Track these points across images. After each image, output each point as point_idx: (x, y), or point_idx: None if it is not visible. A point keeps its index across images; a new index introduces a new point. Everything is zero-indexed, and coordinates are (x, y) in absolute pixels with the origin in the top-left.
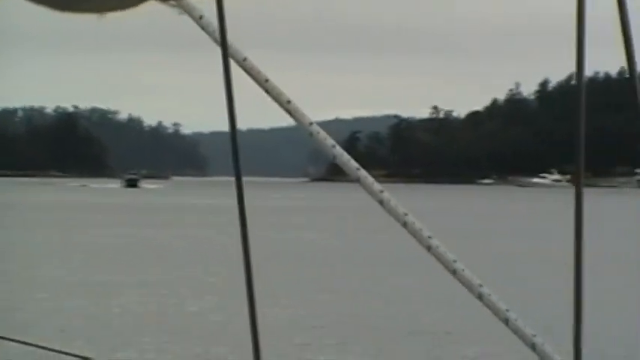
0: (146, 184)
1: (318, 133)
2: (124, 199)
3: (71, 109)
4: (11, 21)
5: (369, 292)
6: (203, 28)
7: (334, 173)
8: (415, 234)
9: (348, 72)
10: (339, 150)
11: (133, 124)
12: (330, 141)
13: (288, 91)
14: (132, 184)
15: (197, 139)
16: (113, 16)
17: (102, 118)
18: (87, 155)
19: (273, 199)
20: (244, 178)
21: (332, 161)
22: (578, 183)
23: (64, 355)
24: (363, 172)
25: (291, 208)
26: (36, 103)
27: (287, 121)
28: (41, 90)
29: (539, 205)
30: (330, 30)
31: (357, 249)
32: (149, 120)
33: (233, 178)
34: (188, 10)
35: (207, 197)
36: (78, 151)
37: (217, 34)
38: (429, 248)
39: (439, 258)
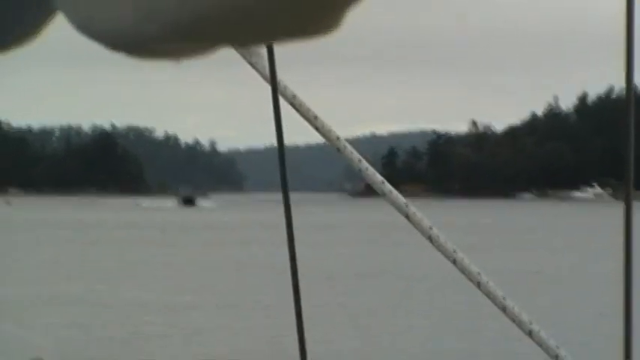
0: (203, 203)
1: (345, 147)
2: (190, 217)
3: (108, 128)
4: (49, 39)
5: (409, 310)
6: (253, 65)
7: (371, 188)
8: (440, 247)
9: (384, 87)
10: (364, 164)
11: (170, 141)
12: (357, 155)
13: (324, 107)
14: (188, 202)
15: (233, 156)
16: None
17: (138, 136)
18: (125, 173)
19: (314, 215)
20: (279, 195)
21: (359, 175)
22: (628, 196)
23: None
24: (388, 186)
25: (331, 224)
26: (73, 122)
27: (322, 138)
28: (78, 108)
29: (581, 218)
30: (364, 44)
31: (392, 264)
32: (185, 137)
33: (272, 195)
34: (241, 52)
35: (263, 213)
36: (116, 170)
37: (267, 72)
38: (454, 261)
39: (464, 271)
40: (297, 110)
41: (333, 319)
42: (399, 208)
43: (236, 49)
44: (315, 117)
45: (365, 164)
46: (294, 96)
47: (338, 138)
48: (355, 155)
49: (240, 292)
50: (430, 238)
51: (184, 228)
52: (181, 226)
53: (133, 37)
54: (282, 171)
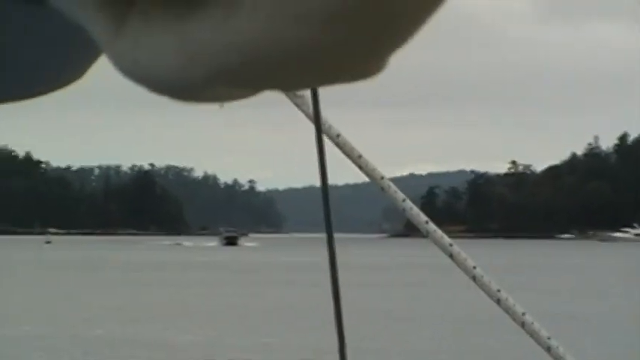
0: (246, 242)
1: (389, 187)
2: (233, 257)
3: (147, 167)
4: (89, 80)
5: (454, 352)
6: (297, 106)
7: (411, 229)
8: (484, 287)
9: (421, 126)
10: (408, 204)
11: (209, 181)
12: (401, 195)
13: (361, 147)
14: (231, 242)
15: (271, 195)
16: None
17: (177, 175)
18: (164, 213)
19: (354, 256)
20: (322, 235)
21: (403, 214)
22: None
23: None
24: (432, 226)
25: (372, 264)
26: (112, 162)
27: (361, 178)
28: (117, 148)
29: (623, 260)
30: (403, 84)
31: (435, 305)
32: (224, 177)
33: (311, 234)
34: (286, 93)
35: (310, 255)
36: (155, 209)
37: (311, 111)
38: (498, 301)
39: (508, 311)
40: (341, 149)
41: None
42: (443, 248)
43: (284, 92)
44: (359, 156)
45: (409, 204)
46: (338, 135)
47: (382, 177)
48: (399, 195)
49: (288, 334)
50: (474, 278)
51: (229, 268)
52: (225, 266)
53: (178, 81)
54: (327, 211)
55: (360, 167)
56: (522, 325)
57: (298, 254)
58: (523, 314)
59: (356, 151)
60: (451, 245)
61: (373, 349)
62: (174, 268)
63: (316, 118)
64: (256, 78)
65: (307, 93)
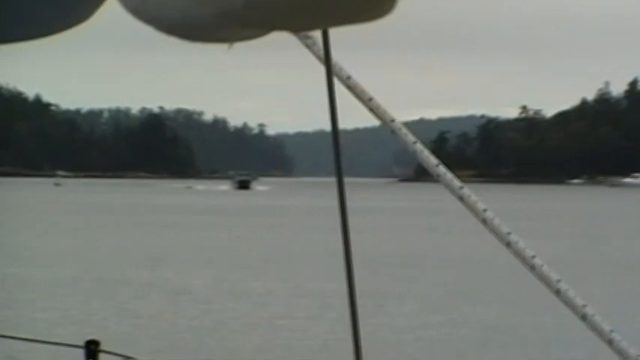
0: (258, 186)
1: (400, 129)
2: (247, 201)
3: (157, 110)
4: (98, 22)
5: (459, 294)
6: (308, 47)
7: (421, 174)
8: (494, 230)
9: (432, 72)
10: (419, 146)
11: (218, 124)
12: (412, 138)
13: (370, 91)
14: (244, 185)
15: (281, 139)
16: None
17: (187, 119)
18: (174, 156)
19: (365, 200)
20: (332, 179)
21: (413, 158)
22: None
23: None
24: (442, 169)
25: (384, 208)
26: (122, 104)
27: (371, 122)
28: (126, 91)
29: (633, 205)
30: (413, 29)
31: (446, 250)
32: (234, 121)
33: (321, 178)
34: (297, 34)
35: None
36: (165, 153)
37: (322, 53)
38: (508, 244)
39: (518, 254)
40: (352, 91)
41: (386, 303)
42: (453, 191)
43: (293, 33)
44: (370, 98)
45: (420, 146)
46: (349, 77)
47: (393, 120)
48: (410, 137)
49: (300, 277)
50: (484, 221)
51: (244, 212)
52: (241, 210)
53: (186, 21)
54: (337, 152)
55: (371, 110)
56: (532, 268)
57: (310, 198)
58: (533, 257)
59: (366, 94)
60: (461, 188)
61: (383, 292)
62: (189, 212)
63: (327, 60)
64: (263, 17)
65: (318, 34)
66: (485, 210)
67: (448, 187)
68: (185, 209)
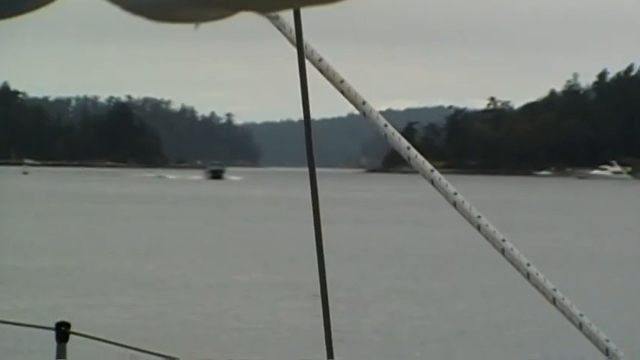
0: (230, 176)
1: (393, 134)
2: (221, 191)
3: (124, 99)
4: (67, 11)
5: (428, 289)
6: (279, 29)
7: (389, 164)
8: (465, 213)
9: (400, 63)
10: (390, 129)
11: (186, 114)
12: (383, 121)
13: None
14: (216, 175)
15: (249, 129)
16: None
17: (155, 108)
18: (141, 145)
19: (332, 190)
20: (299, 169)
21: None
22: None
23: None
24: (413, 152)
25: (352, 199)
26: (89, 93)
27: (339, 112)
28: (94, 80)
29: (601, 197)
30: (382, 20)
31: (415, 241)
32: (202, 110)
33: (291, 168)
34: (268, 15)
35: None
36: (132, 141)
37: (293, 35)
38: (478, 227)
39: (488, 237)
40: (323, 74)
41: (358, 295)
42: (424, 174)
43: (261, 13)
44: (342, 81)
45: (391, 129)
46: (321, 59)
47: (364, 102)
48: (381, 120)
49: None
50: (455, 204)
51: (219, 201)
52: (215, 199)
53: (151, 1)
54: (308, 133)
55: (342, 92)
56: (502, 251)
57: (284, 188)
58: (503, 240)
59: (338, 76)
60: (432, 171)
61: (353, 285)
62: (166, 202)
63: (298, 42)
64: None
65: (289, 17)
66: (455, 193)
67: (419, 169)
68: (161, 199)
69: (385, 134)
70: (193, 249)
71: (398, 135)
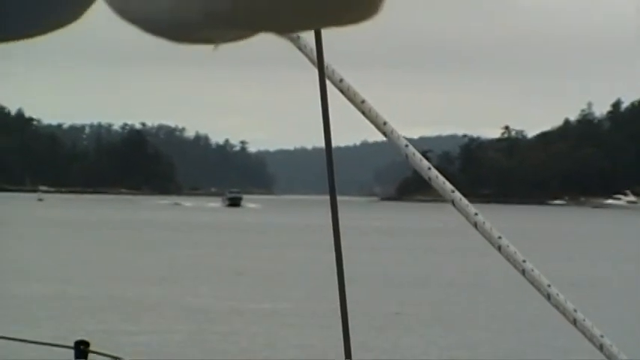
0: (248, 204)
1: (414, 154)
2: (241, 219)
3: (139, 126)
4: (82, 37)
5: (451, 315)
6: (300, 50)
7: (403, 193)
8: (485, 234)
9: (413, 90)
10: (411, 149)
11: (200, 141)
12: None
13: (351, 109)
14: (234, 203)
15: (263, 157)
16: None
17: (169, 135)
18: (155, 172)
19: (351, 220)
20: (314, 197)
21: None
22: None
23: None
24: (434, 172)
25: (369, 228)
26: (103, 120)
27: (352, 140)
28: (108, 107)
29: (615, 226)
30: (396, 46)
31: (435, 270)
32: (216, 137)
33: (305, 197)
34: (289, 36)
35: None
36: (146, 169)
37: (314, 55)
38: (499, 248)
39: (508, 258)
40: (344, 94)
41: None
42: (444, 194)
43: (281, 34)
44: (363, 101)
45: (412, 149)
46: (342, 80)
47: (385, 123)
48: (402, 141)
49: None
50: (475, 225)
51: (242, 229)
52: (238, 227)
53: (172, 21)
54: (329, 154)
55: (363, 113)
56: (523, 272)
57: (302, 216)
58: (524, 261)
59: (359, 97)
60: (453, 192)
61: (374, 313)
62: (186, 229)
63: (319, 62)
64: (251, 20)
65: (310, 37)
66: (476, 214)
67: (440, 189)
68: (180, 226)
69: (406, 155)
70: (219, 276)
71: (419, 156)
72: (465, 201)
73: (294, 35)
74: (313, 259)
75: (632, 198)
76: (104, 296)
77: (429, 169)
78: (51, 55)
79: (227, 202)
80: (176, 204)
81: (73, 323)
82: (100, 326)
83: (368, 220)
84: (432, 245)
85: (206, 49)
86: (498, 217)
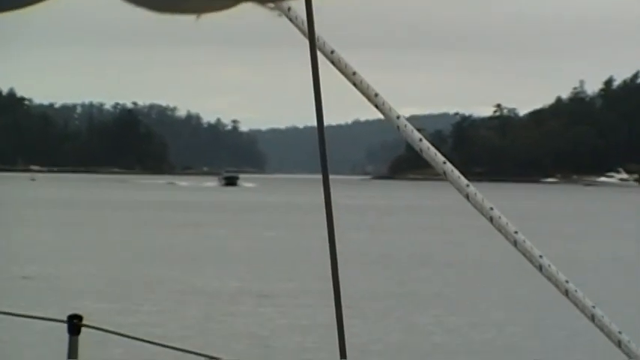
0: (245, 183)
1: (405, 126)
2: (239, 198)
3: (130, 106)
4: (71, 17)
5: (440, 296)
6: (291, 20)
7: (396, 171)
8: (477, 205)
9: (405, 69)
10: (403, 121)
11: (192, 120)
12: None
13: (342, 87)
14: (231, 182)
15: (254, 136)
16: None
17: (160, 114)
18: (147, 152)
19: (345, 198)
20: (307, 176)
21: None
22: None
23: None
24: (425, 143)
25: (362, 206)
26: (95, 100)
27: (344, 119)
28: (100, 86)
29: (607, 204)
30: (388, 26)
31: (431, 249)
32: (208, 117)
33: (298, 176)
34: (279, 6)
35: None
36: (138, 148)
37: (305, 26)
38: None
39: (500, 229)
40: (335, 66)
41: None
42: (436, 165)
43: (271, 3)
44: (354, 73)
45: (403, 121)
46: (333, 51)
47: (376, 95)
48: (394, 112)
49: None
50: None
51: (242, 208)
52: (238, 206)
53: None
54: (320, 127)
55: (355, 84)
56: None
57: (296, 194)
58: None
59: (350, 68)
60: (445, 163)
61: (366, 290)
62: (187, 209)
63: (310, 32)
64: None
65: (301, 7)
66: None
67: (432, 160)
68: (180, 206)
69: (398, 126)
70: (224, 257)
71: (410, 127)
72: (456, 172)
73: (285, 6)
74: (315, 238)
75: (624, 176)
76: (93, 275)
77: (421, 140)
78: (43, 35)
79: (224, 182)
80: (170, 183)
81: (68, 301)
82: (96, 305)
83: (363, 198)
84: (424, 223)
85: (188, 19)
86: (491, 196)
